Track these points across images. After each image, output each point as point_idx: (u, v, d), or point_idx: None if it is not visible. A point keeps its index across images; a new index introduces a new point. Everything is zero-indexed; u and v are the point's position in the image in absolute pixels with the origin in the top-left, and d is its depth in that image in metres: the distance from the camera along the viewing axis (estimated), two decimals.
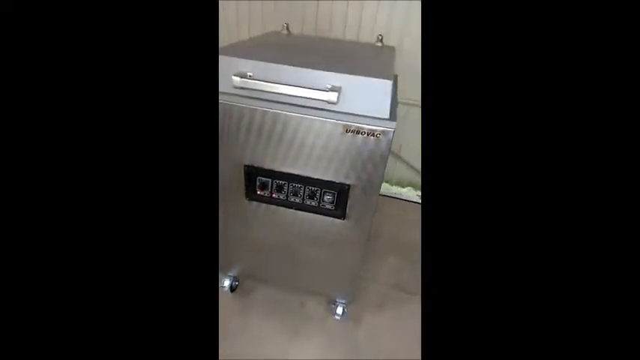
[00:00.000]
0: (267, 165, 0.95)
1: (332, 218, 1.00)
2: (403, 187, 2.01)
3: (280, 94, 0.82)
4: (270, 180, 0.98)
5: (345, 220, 1.00)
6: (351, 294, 1.22)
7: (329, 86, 0.81)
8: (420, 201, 1.98)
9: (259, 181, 0.99)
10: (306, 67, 0.82)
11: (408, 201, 1.99)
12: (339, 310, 1.23)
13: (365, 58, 1.10)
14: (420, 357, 0.51)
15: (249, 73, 0.84)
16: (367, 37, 1.57)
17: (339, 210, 0.98)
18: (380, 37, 1.23)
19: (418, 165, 1.91)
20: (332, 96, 0.78)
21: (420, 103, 1.69)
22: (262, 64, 0.84)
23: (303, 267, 1.17)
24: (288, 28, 1.26)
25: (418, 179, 1.97)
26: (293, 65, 0.83)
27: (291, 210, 1.02)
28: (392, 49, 1.22)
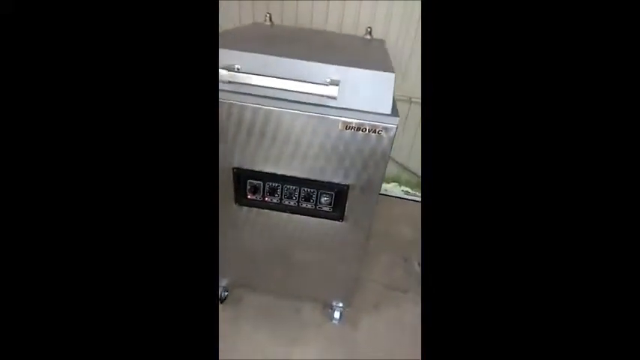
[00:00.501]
0: (259, 167, 0.88)
1: (329, 220, 0.95)
2: (388, 182, 2.00)
3: (273, 88, 0.74)
4: (261, 183, 0.91)
5: (343, 222, 0.95)
6: (349, 297, 1.18)
7: (328, 80, 0.74)
8: (405, 197, 1.97)
9: (250, 185, 0.92)
10: (302, 59, 0.76)
11: (394, 197, 1.98)
12: (337, 315, 1.18)
13: (359, 50, 1.05)
14: (419, 357, 0.50)
15: (237, 66, 0.75)
16: (350, 31, 1.52)
17: (337, 212, 0.93)
18: (369, 30, 1.18)
19: (403, 160, 1.89)
20: (332, 90, 0.72)
21: (404, 97, 1.67)
22: (252, 55, 0.76)
23: (299, 272, 1.10)
24: (270, 19, 1.18)
25: (403, 175, 1.96)
26: (287, 57, 0.76)
27: (286, 214, 0.95)
28: (382, 41, 1.17)
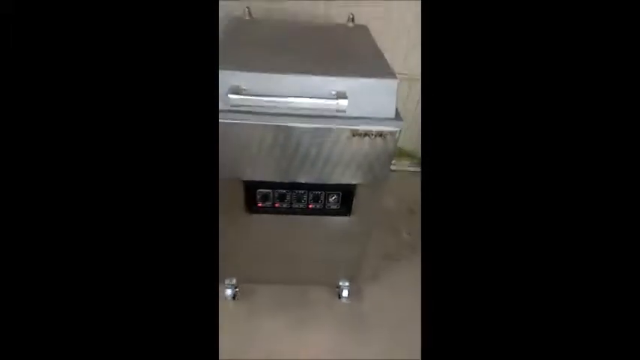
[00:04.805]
0: (269, 178, 0.90)
1: (337, 217, 1.01)
2: None
3: (282, 106, 0.75)
4: (271, 191, 0.94)
5: (350, 217, 1.01)
6: (354, 276, 1.28)
7: (334, 93, 0.76)
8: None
9: (260, 194, 0.94)
10: (305, 74, 0.76)
11: None
12: (345, 293, 1.29)
13: (351, 47, 1.04)
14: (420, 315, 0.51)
15: (243, 88, 0.74)
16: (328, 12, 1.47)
17: (344, 208, 0.99)
18: (351, 17, 1.16)
19: None
20: (342, 104, 0.75)
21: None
22: (257, 75, 0.75)
23: (307, 263, 1.18)
24: (250, 13, 1.11)
25: None
26: (290, 73, 0.76)
27: (295, 215, 1.00)
28: (365, 28, 1.16)
